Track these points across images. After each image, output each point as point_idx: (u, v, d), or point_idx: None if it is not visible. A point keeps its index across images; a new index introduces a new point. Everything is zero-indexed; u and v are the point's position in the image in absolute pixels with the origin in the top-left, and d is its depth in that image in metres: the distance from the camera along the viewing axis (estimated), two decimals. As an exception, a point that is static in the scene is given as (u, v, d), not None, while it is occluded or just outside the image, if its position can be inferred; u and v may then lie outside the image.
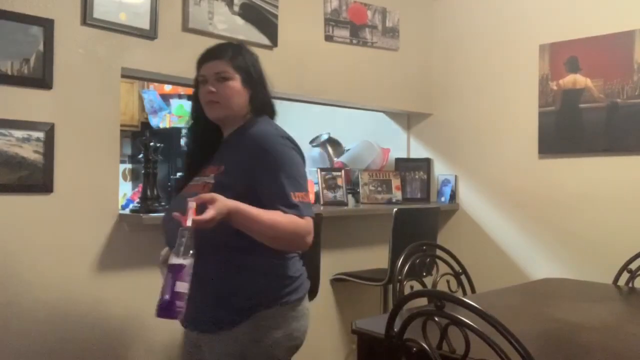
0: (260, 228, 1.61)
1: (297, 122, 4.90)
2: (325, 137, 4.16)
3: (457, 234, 3.96)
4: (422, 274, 2.43)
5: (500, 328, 1.25)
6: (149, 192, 2.66)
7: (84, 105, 2.51)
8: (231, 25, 2.99)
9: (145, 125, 5.26)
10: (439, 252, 2.52)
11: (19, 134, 2.32)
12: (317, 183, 3.55)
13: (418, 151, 4.20)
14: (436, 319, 1.40)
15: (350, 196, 3.77)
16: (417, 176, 4.11)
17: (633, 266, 2.59)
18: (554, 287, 2.62)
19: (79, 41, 2.49)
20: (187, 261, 1.46)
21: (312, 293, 2.77)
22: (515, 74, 3.71)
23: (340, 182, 3.61)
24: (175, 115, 5.21)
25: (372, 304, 3.62)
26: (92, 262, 2.54)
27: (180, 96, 5.39)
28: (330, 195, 3.56)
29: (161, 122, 5.22)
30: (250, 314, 1.69)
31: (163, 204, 2.69)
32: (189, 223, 1.47)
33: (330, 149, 4.10)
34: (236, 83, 1.77)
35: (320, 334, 3.49)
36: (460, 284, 2.43)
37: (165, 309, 1.43)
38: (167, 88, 5.31)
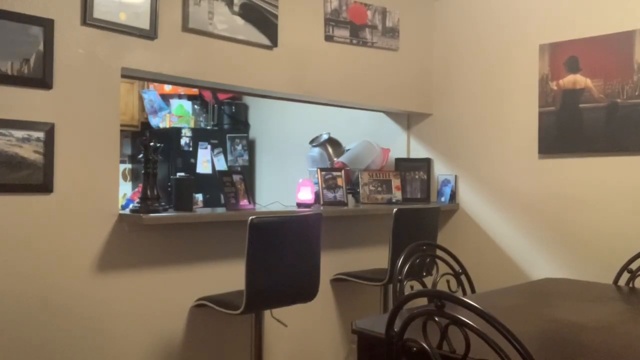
0: None
1: (297, 122, 4.92)
2: (325, 137, 4.16)
3: (457, 234, 3.96)
4: (422, 274, 2.43)
5: (500, 328, 1.25)
6: (149, 192, 2.65)
7: (84, 105, 2.51)
8: (231, 25, 2.99)
9: (145, 125, 5.26)
10: (439, 252, 2.52)
11: (19, 134, 2.32)
12: (317, 183, 3.55)
13: (418, 151, 4.20)
14: (436, 319, 1.40)
15: (350, 196, 3.77)
16: (417, 176, 4.11)
17: (633, 266, 2.59)
18: (554, 287, 2.62)
19: (79, 41, 2.50)
20: None
21: (312, 293, 2.79)
22: (515, 74, 3.71)
23: (340, 182, 3.61)
24: (175, 115, 5.21)
25: (372, 304, 3.62)
26: (92, 262, 2.54)
27: (180, 96, 5.39)
28: (330, 195, 3.56)
29: (161, 122, 5.22)
30: None
31: (163, 204, 2.70)
32: None
33: (330, 149, 4.09)
34: None
35: (320, 334, 3.49)
36: (460, 284, 2.43)
37: None
38: (167, 88, 5.31)
